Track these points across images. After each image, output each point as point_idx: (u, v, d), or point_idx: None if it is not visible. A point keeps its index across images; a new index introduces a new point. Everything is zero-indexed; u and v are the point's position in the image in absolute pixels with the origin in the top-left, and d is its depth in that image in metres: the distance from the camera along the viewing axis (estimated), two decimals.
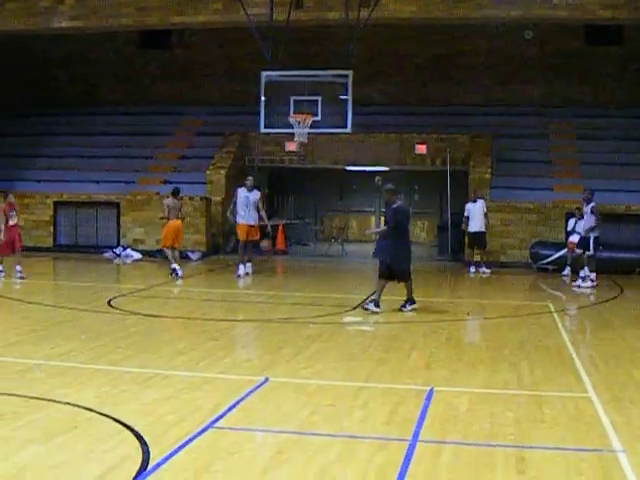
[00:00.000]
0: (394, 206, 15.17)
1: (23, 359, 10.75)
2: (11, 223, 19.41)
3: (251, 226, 20.80)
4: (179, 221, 20.74)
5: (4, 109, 29.32)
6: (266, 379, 9.79)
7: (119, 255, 24.91)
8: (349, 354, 11.61)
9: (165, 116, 30.92)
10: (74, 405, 8.54)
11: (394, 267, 14.98)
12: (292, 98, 22.18)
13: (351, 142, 26.99)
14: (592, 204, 19.78)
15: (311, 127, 22.02)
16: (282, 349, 11.79)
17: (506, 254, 24.02)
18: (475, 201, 22.64)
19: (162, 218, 20.81)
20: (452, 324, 14.63)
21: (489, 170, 25.59)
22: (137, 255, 24.92)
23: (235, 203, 20.92)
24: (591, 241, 19.76)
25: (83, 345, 11.82)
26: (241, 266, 20.70)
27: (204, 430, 7.78)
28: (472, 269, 22.63)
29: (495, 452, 7.37)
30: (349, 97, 21.86)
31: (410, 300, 15.40)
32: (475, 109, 29.03)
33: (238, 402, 8.80)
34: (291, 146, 26.17)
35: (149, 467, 6.77)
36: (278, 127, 22.96)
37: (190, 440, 7.47)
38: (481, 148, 26.53)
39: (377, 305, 14.94)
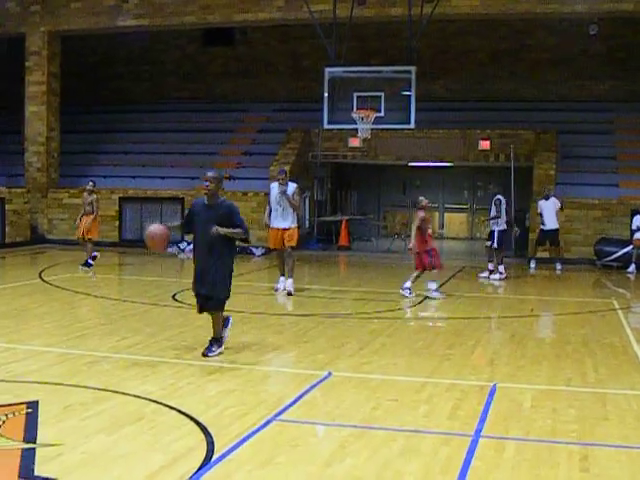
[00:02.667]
0: None
1: (90, 352, 10.93)
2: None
3: (284, 230, 16.84)
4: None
5: (71, 106, 29.66)
6: (329, 373, 9.86)
7: (183, 250, 25.07)
8: (413, 349, 11.63)
9: (229, 113, 31.09)
10: (140, 397, 8.68)
11: None
12: (355, 94, 22.18)
13: (414, 138, 26.93)
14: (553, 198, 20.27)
15: (374, 123, 22.00)
16: (345, 344, 11.84)
17: (570, 251, 23.81)
18: (547, 198, 22.41)
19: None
20: (516, 320, 14.58)
21: (554, 166, 25.39)
22: None
23: (269, 203, 17.24)
24: None
25: (149, 338, 11.99)
26: (282, 278, 17.02)
27: (268, 423, 7.87)
28: (533, 265, 22.52)
29: (558, 449, 7.36)
30: (412, 93, 21.82)
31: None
32: (539, 104, 28.80)
33: (301, 396, 8.88)
34: (354, 142, 26.20)
35: (213, 458, 6.86)
36: (341, 123, 22.99)
37: (254, 432, 7.56)
38: (546, 144, 26.33)
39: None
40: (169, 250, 24.87)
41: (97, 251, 20.70)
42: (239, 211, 11.12)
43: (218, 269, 10.64)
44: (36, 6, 27.46)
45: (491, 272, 20.20)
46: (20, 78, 27.90)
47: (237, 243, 11.24)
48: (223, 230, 10.54)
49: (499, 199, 20.38)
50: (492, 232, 20.39)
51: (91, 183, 21.19)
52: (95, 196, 21.09)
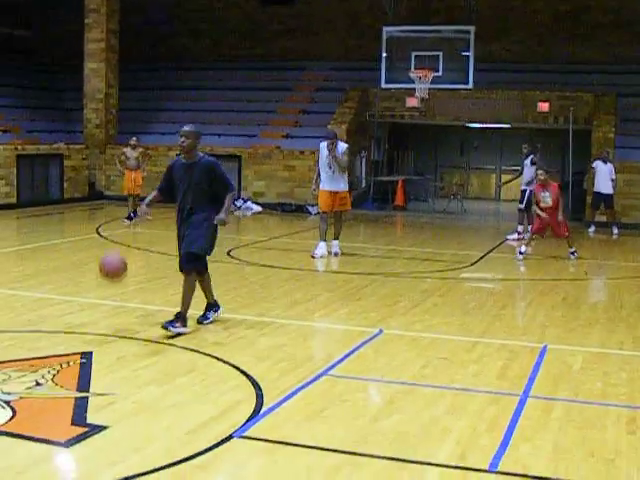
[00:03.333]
0: None
1: (144, 305, 11.09)
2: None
3: (336, 193, 16.12)
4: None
5: (130, 64, 29.83)
6: (380, 331, 9.91)
7: (240, 207, 25.20)
8: (465, 309, 11.64)
9: (287, 71, 31.05)
10: (192, 350, 8.81)
11: None
12: (413, 53, 22.14)
13: (472, 99, 26.72)
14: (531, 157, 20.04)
15: (432, 83, 21.97)
16: (398, 302, 11.88)
17: (628, 215, 23.54)
18: (605, 162, 22.07)
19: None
20: (569, 283, 14.50)
21: (613, 129, 25.08)
22: (257, 208, 25.20)
23: (318, 163, 16.49)
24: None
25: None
26: (321, 244, 16.16)
27: (317, 377, 7.95)
28: (592, 229, 22.29)
29: (606, 411, 7.36)
30: (471, 53, 21.74)
31: None
32: (599, 67, 28.41)
33: (352, 352, 8.96)
34: (412, 102, 26.07)
35: (262, 411, 6.96)
36: (399, 82, 22.95)
37: (303, 387, 7.65)
38: (605, 107, 26.01)
39: None
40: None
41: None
42: (222, 167, 10.21)
43: (199, 227, 9.77)
44: None
45: (519, 234, 19.92)
46: (80, 35, 28.07)
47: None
48: (222, 217, 9.85)
49: (534, 159, 20.08)
50: (523, 192, 20.09)
51: (134, 138, 21.82)
52: (141, 149, 21.94)
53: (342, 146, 16.04)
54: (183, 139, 9.89)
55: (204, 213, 9.77)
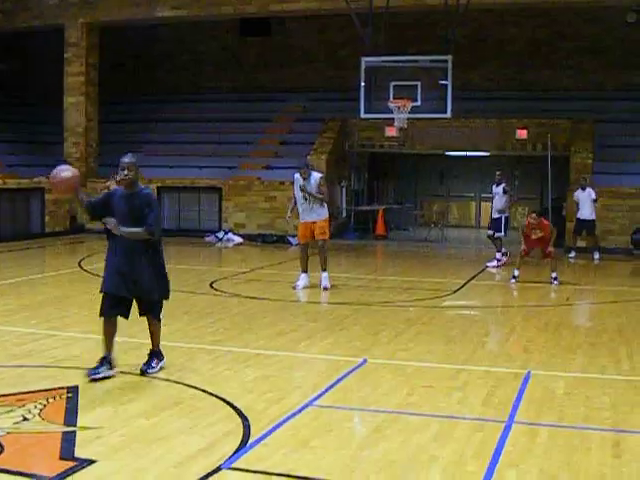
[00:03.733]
0: None
1: (130, 338, 11.06)
2: None
3: (314, 223, 15.85)
4: None
5: (110, 96, 29.92)
6: (365, 360, 9.96)
7: (221, 239, 25.29)
8: (448, 337, 11.69)
9: (265, 102, 31.20)
10: (178, 382, 8.84)
11: None
12: (392, 83, 22.19)
13: (451, 127, 26.92)
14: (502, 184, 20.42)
15: (411, 112, 21.99)
16: (381, 331, 11.93)
17: (607, 240, 23.68)
18: (584, 188, 22.34)
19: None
20: (551, 309, 14.63)
21: (591, 155, 25.31)
22: (238, 239, 25.26)
23: (294, 195, 16.21)
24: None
25: (187, 325, 12.16)
26: (302, 275, 16.02)
27: (304, 408, 7.99)
28: (573, 254, 22.46)
29: (591, 435, 7.41)
30: (449, 82, 21.83)
31: None
32: (576, 94, 28.69)
33: (337, 382, 9.00)
34: (391, 131, 26.19)
35: (249, 442, 6.99)
36: (378, 112, 22.98)
37: (290, 417, 7.68)
38: (582, 133, 26.25)
39: None
40: (206, 239, 25.06)
41: None
42: (156, 203, 9.51)
43: (145, 267, 9.19)
44: None
45: (499, 261, 20.14)
46: (61, 69, 28.15)
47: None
48: (125, 230, 9.11)
49: (506, 187, 20.43)
50: (497, 219, 20.29)
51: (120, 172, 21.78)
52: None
53: (315, 176, 15.84)
54: (126, 171, 9.30)
55: (147, 254, 9.28)
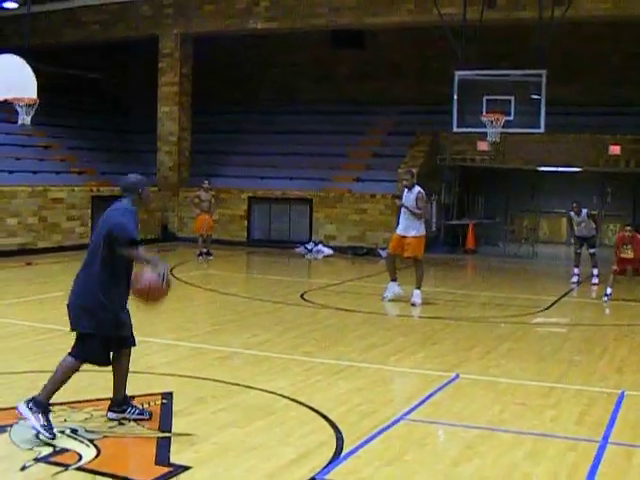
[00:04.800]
0: None
1: (222, 347, 11.21)
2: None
3: (402, 237, 15.70)
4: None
5: (204, 106, 30.23)
6: (457, 375, 9.91)
7: (310, 250, 25.35)
8: (540, 355, 11.57)
9: (358, 115, 31.22)
10: (270, 392, 8.88)
11: None
12: (485, 97, 22.10)
13: (543, 142, 26.61)
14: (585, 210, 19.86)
15: (503, 126, 21.88)
16: (473, 347, 11.85)
17: None
18: None
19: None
20: None
21: None
22: (328, 251, 25.30)
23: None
24: None
25: (278, 336, 12.22)
26: (391, 284, 16.03)
27: (396, 422, 7.97)
28: None
29: None
30: (542, 97, 21.66)
31: None
32: None
33: (429, 396, 8.96)
34: (483, 145, 26.05)
35: (342, 454, 6.99)
36: (470, 126, 22.88)
37: (382, 430, 7.67)
38: None
39: None
40: (296, 250, 25.17)
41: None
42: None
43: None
44: (169, 9, 28.11)
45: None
46: (154, 79, 28.57)
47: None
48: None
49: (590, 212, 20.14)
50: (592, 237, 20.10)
51: (207, 182, 22.94)
52: (213, 193, 23.13)
53: (417, 190, 15.64)
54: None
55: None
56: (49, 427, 7.12)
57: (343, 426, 7.71)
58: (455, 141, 27.24)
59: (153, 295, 7.59)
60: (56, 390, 7.33)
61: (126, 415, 7.69)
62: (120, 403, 7.75)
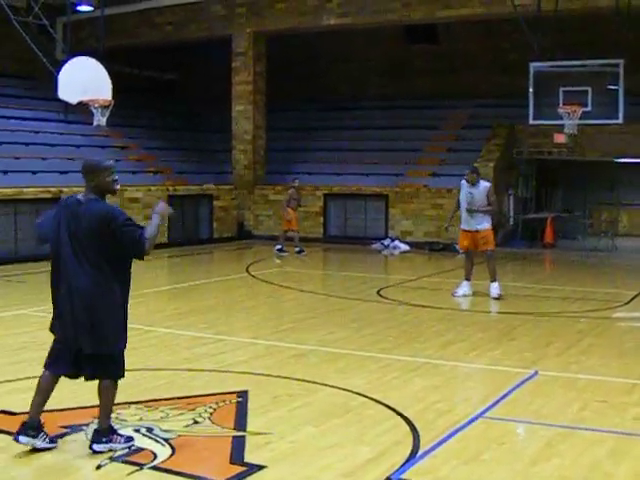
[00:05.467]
0: None
1: (297, 344, 11.16)
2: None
3: (477, 232, 15.62)
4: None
5: (278, 104, 30.29)
6: (535, 372, 9.74)
7: (387, 246, 25.23)
8: (622, 350, 11.31)
9: (432, 110, 31.04)
10: (346, 390, 8.81)
11: None
12: (561, 89, 21.80)
13: (622, 133, 26.14)
14: None
15: (580, 118, 21.57)
16: (552, 343, 11.64)
17: None
18: None
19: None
20: None
21: None
22: (405, 247, 25.16)
23: (458, 202, 16.10)
24: None
25: (354, 333, 12.15)
26: (464, 283, 15.92)
27: (473, 420, 7.85)
28: None
29: None
30: (620, 87, 21.30)
31: None
32: None
33: (507, 394, 8.81)
34: (560, 138, 25.65)
35: (419, 453, 6.90)
36: (547, 118, 22.61)
37: (459, 429, 7.56)
38: None
39: None
40: (372, 246, 25.09)
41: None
42: None
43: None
44: (242, 8, 28.20)
45: None
46: (227, 78, 28.68)
47: None
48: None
49: None
50: None
51: (297, 180, 23.21)
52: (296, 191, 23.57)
53: (485, 185, 15.66)
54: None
55: None
56: (126, 436, 7.00)
57: (419, 424, 7.61)
58: (532, 134, 26.93)
59: None
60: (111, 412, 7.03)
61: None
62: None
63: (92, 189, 6.95)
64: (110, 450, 6.82)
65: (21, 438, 6.79)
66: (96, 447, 6.85)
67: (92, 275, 6.78)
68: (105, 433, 6.89)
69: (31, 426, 6.81)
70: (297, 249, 23.16)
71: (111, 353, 6.87)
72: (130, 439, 6.99)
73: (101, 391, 6.90)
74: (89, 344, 6.77)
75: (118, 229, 6.73)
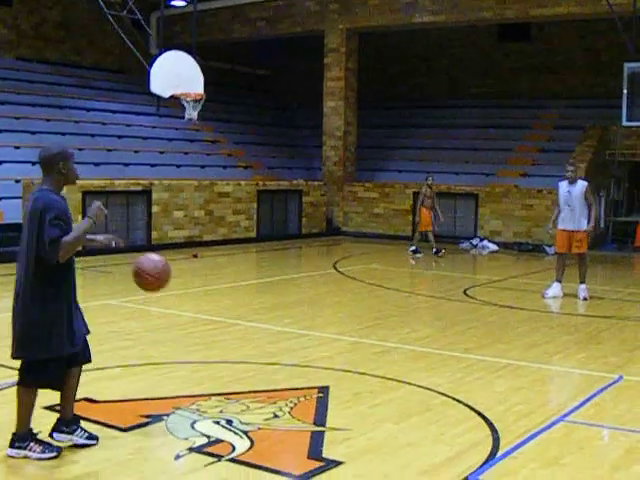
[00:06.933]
0: None
1: (381, 342, 11.18)
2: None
3: (574, 232, 15.50)
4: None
5: (370, 101, 30.31)
6: (620, 377, 9.61)
7: (476, 246, 25.08)
8: None
9: (524, 109, 30.75)
10: (428, 389, 8.80)
11: None
12: None
13: None
14: None
15: None
16: (638, 348, 11.46)
17: None
18: None
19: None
20: None
21: None
22: (494, 247, 24.97)
23: (558, 203, 15.91)
24: None
25: (438, 332, 12.12)
26: (555, 284, 15.72)
27: (555, 423, 7.78)
28: None
29: None
30: None
31: None
32: None
33: (590, 398, 8.71)
34: None
35: (498, 454, 6.86)
36: None
37: (540, 432, 7.50)
38: None
39: None
40: (461, 245, 24.96)
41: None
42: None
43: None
44: (335, 4, 28.23)
45: None
46: (319, 74, 28.77)
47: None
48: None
49: None
50: None
51: (431, 178, 22.89)
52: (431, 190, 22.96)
53: (583, 184, 15.58)
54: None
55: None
56: (48, 446, 6.62)
57: (500, 425, 7.57)
58: (625, 135, 26.51)
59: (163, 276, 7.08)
60: (27, 419, 6.64)
61: (74, 437, 6.78)
62: (69, 423, 6.84)
63: (48, 179, 6.63)
64: (25, 457, 6.51)
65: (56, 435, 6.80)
66: (10, 451, 6.57)
67: (25, 275, 6.54)
68: (21, 439, 6.57)
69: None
70: (434, 250, 22.71)
71: (30, 359, 6.57)
72: (53, 450, 6.58)
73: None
74: (13, 345, 6.62)
75: (42, 225, 6.38)
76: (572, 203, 15.45)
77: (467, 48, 32.67)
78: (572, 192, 15.46)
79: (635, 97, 21.88)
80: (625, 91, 21.76)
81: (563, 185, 15.69)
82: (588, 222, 15.52)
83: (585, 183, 15.72)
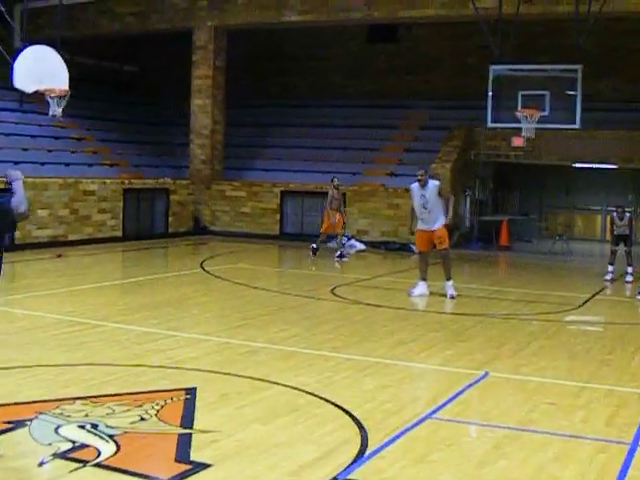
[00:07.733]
0: None
1: (248, 342, 11.10)
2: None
3: (433, 231, 15.81)
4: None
5: (237, 100, 30.17)
6: (486, 373, 9.75)
7: (343, 245, 25.20)
8: (572, 353, 11.37)
9: (391, 109, 31.04)
10: (296, 388, 8.77)
11: None
12: (520, 92, 21.92)
13: (579, 138, 26.29)
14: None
15: (538, 122, 21.67)
16: (503, 345, 11.68)
17: None
18: None
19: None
20: None
21: None
22: (361, 246, 25.14)
23: (412, 208, 16.22)
24: None
25: (306, 331, 12.11)
26: (420, 283, 15.95)
27: (422, 420, 7.83)
28: None
29: None
30: (578, 92, 21.44)
31: None
32: None
33: (457, 395, 8.81)
34: (517, 141, 25.74)
35: (366, 453, 6.86)
36: (505, 122, 22.74)
37: (408, 429, 7.53)
38: None
39: None
40: (329, 245, 25.09)
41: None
42: None
43: None
44: (203, 1, 28.04)
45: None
46: (188, 72, 28.52)
47: None
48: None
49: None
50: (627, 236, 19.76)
51: (336, 179, 22.58)
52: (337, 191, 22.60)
53: (433, 184, 15.86)
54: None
55: None
56: None
57: (368, 424, 7.58)
58: (489, 136, 27.02)
59: None
60: None
61: None
62: None
63: None
64: None
65: None
66: None
67: None
68: None
69: None
70: (338, 253, 22.53)
71: None
72: None
73: None
74: None
75: None
76: (428, 205, 15.73)
77: (336, 48, 32.81)
78: (426, 195, 15.74)
79: (499, 99, 22.28)
80: (490, 93, 22.15)
81: (416, 189, 15.92)
82: (445, 216, 15.85)
83: (437, 182, 16.07)
